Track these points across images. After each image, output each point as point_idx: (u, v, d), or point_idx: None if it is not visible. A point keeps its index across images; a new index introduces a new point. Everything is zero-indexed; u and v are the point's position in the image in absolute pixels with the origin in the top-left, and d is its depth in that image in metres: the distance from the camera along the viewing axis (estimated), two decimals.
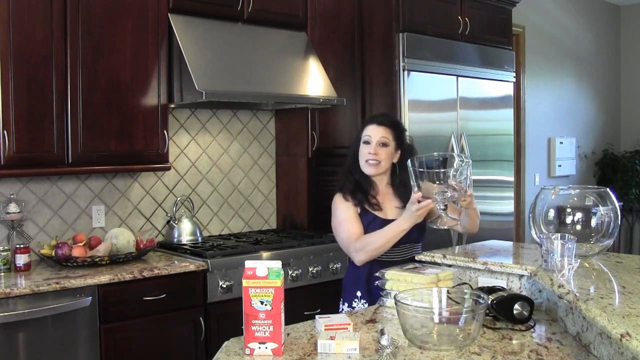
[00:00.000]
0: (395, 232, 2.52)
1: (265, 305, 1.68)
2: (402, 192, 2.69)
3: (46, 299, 2.71)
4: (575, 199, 2.32)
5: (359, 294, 2.61)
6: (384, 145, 2.64)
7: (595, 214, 2.23)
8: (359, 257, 2.57)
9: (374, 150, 2.63)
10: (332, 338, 1.72)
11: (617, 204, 2.24)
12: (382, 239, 2.53)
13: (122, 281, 2.90)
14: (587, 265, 2.11)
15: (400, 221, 2.51)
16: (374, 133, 2.66)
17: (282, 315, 1.71)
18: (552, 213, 2.29)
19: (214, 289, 3.18)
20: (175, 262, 3.18)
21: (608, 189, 2.27)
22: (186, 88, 3.33)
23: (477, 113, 4.51)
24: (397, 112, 3.95)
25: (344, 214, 2.64)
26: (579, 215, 2.24)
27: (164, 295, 3.02)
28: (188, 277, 3.11)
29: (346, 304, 2.68)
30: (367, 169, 2.66)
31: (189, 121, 3.85)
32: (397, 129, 2.71)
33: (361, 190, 2.65)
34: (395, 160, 2.68)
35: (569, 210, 2.26)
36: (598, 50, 7.25)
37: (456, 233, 4.20)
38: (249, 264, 1.71)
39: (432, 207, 2.37)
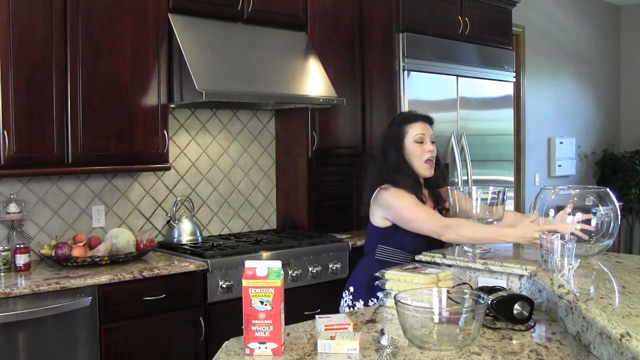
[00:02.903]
0: (497, 238, 2.40)
1: (265, 305, 1.68)
2: (436, 192, 2.68)
3: (46, 299, 2.71)
4: (575, 199, 2.32)
5: (380, 294, 2.55)
6: (434, 142, 2.64)
7: (595, 214, 2.23)
8: (448, 235, 2.43)
9: (432, 147, 2.60)
10: (332, 338, 1.71)
11: (617, 204, 2.24)
12: (480, 234, 2.40)
13: (122, 281, 2.90)
14: (588, 265, 2.11)
15: (507, 234, 2.35)
16: (426, 130, 2.63)
17: (282, 315, 1.71)
18: (552, 213, 2.29)
19: (214, 289, 3.18)
20: (175, 262, 3.18)
21: (608, 189, 2.27)
22: (186, 88, 3.33)
23: (477, 113, 4.51)
24: (397, 112, 3.94)
25: (414, 200, 2.53)
26: (578, 215, 2.25)
27: (164, 295, 3.02)
28: (188, 277, 3.11)
29: (360, 302, 2.60)
30: (427, 171, 2.60)
31: (189, 121, 3.85)
32: (432, 126, 2.71)
33: (415, 191, 2.58)
34: None
35: (569, 210, 2.26)
36: (598, 50, 7.25)
37: None
38: (249, 264, 1.71)
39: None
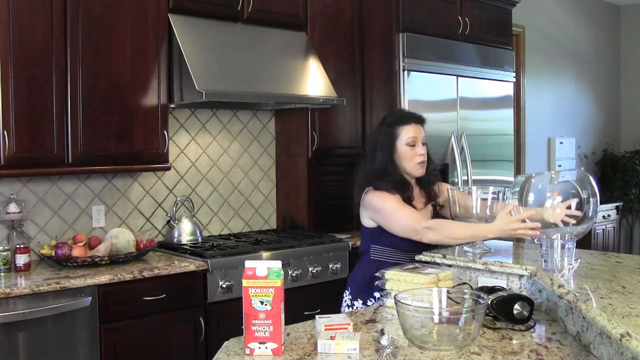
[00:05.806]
0: (478, 235, 2.42)
1: (265, 305, 1.68)
2: (428, 189, 2.69)
3: (46, 299, 2.71)
4: (556, 182, 2.31)
5: (377, 294, 2.52)
6: (425, 143, 2.66)
7: (580, 199, 2.21)
8: (429, 236, 2.45)
9: (423, 150, 2.62)
10: (332, 338, 1.72)
11: (594, 186, 2.20)
12: (462, 233, 2.42)
13: (122, 281, 2.90)
14: (587, 265, 2.11)
15: (488, 230, 2.37)
16: (418, 133, 2.64)
17: (282, 315, 1.71)
18: (549, 203, 2.28)
19: (214, 289, 3.17)
20: (175, 262, 3.18)
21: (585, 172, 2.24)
22: (186, 88, 3.33)
23: (477, 113, 4.51)
24: None
25: (397, 202, 2.55)
26: (567, 202, 2.20)
27: (164, 295, 3.02)
28: (188, 277, 3.11)
29: (359, 301, 2.63)
30: (418, 171, 2.63)
31: (189, 121, 3.85)
32: (424, 125, 2.73)
33: (401, 191, 2.61)
34: None
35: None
36: (598, 50, 7.25)
37: None
38: (249, 264, 1.71)
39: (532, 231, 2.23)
